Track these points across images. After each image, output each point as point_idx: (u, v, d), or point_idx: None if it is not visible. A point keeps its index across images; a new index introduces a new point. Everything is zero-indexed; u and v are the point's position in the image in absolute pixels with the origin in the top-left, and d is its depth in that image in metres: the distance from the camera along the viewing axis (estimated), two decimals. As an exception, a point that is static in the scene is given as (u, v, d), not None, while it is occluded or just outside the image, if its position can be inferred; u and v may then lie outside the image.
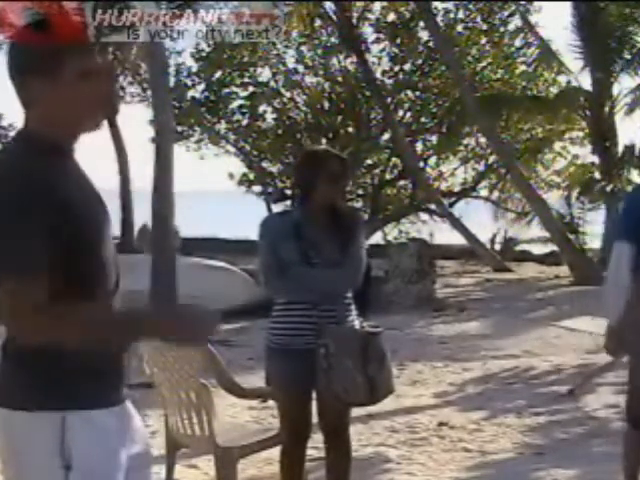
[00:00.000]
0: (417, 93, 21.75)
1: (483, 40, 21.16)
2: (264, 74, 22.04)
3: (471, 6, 20.87)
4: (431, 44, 19.85)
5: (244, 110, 21.85)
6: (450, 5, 20.77)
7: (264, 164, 22.87)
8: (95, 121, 2.26)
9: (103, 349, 2.17)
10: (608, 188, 16.43)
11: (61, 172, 2.15)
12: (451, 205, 21.68)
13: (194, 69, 21.51)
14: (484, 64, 21.25)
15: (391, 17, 21.09)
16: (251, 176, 23.05)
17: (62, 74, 2.14)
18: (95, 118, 2.25)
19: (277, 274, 3.83)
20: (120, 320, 2.17)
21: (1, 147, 2.20)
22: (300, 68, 22.03)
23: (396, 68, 21.32)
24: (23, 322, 2.06)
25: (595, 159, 18.24)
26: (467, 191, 22.98)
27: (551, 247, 19.14)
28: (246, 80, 21.63)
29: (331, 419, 4.00)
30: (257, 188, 23.12)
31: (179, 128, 20.85)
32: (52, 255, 2.07)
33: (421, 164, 21.58)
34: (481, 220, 22.01)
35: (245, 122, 22.05)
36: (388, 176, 22.65)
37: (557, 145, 22.07)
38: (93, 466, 2.11)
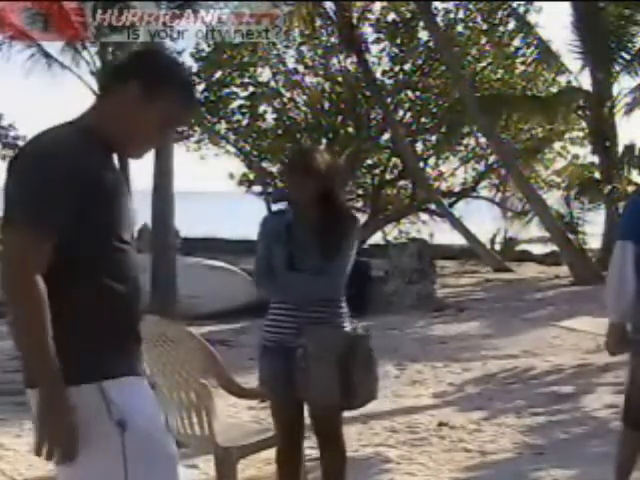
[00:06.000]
0: (417, 93, 21.73)
1: (483, 40, 21.14)
2: (264, 74, 22.05)
3: (471, 6, 20.86)
4: (431, 44, 19.84)
5: (244, 110, 21.83)
6: (450, 5, 20.75)
7: (264, 164, 22.83)
8: (137, 153, 2.41)
9: (127, 323, 2.27)
10: (608, 188, 16.42)
11: (109, 167, 2.30)
12: (451, 205, 21.66)
13: (194, 69, 21.48)
14: (484, 64, 21.24)
15: (391, 17, 21.08)
16: (251, 176, 23.04)
17: (155, 103, 2.27)
18: (139, 151, 2.41)
19: (265, 274, 3.92)
20: (47, 349, 2.10)
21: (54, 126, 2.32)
22: (300, 68, 22.01)
23: (396, 68, 21.28)
24: (11, 267, 2.11)
25: (595, 159, 18.23)
26: (467, 191, 22.97)
27: (551, 247, 19.12)
28: (246, 80, 21.61)
29: (321, 420, 3.99)
30: (257, 188, 23.09)
31: (179, 128, 20.82)
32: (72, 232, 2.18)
33: (421, 164, 21.56)
34: (481, 220, 22.00)
35: (245, 122, 22.02)
36: (388, 176, 22.64)
37: (557, 145, 22.08)
38: (143, 425, 2.23)
